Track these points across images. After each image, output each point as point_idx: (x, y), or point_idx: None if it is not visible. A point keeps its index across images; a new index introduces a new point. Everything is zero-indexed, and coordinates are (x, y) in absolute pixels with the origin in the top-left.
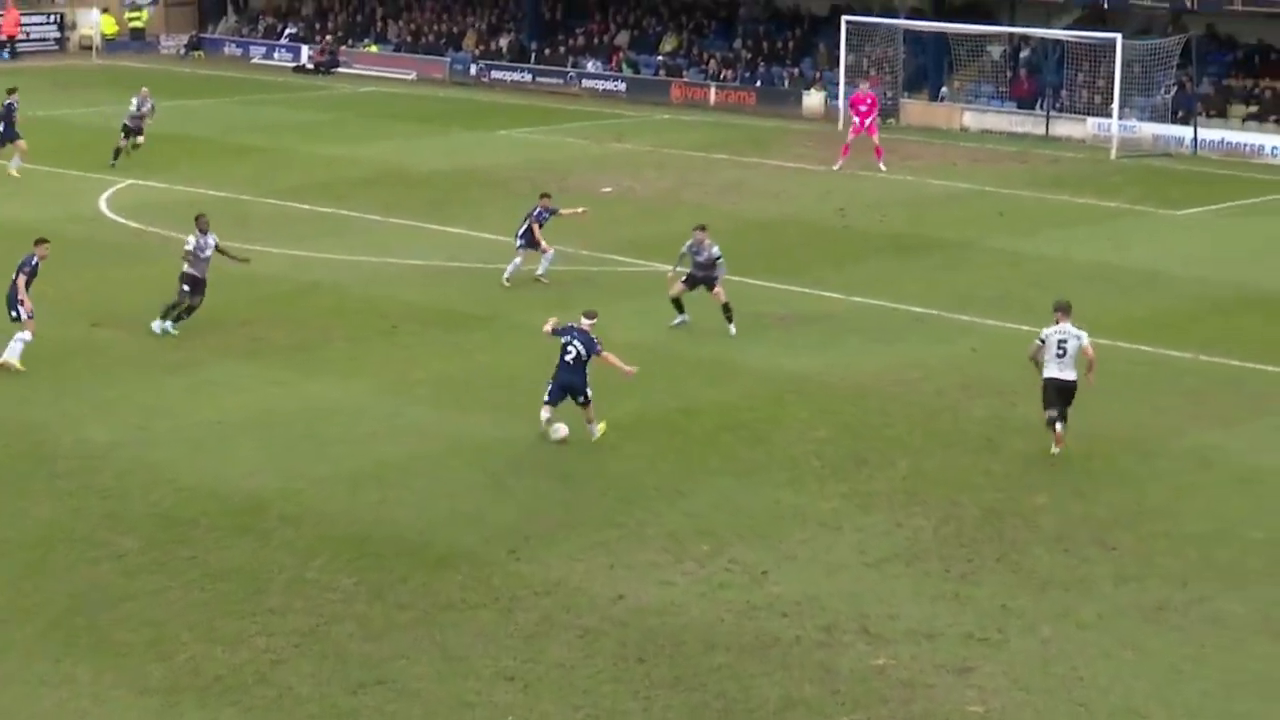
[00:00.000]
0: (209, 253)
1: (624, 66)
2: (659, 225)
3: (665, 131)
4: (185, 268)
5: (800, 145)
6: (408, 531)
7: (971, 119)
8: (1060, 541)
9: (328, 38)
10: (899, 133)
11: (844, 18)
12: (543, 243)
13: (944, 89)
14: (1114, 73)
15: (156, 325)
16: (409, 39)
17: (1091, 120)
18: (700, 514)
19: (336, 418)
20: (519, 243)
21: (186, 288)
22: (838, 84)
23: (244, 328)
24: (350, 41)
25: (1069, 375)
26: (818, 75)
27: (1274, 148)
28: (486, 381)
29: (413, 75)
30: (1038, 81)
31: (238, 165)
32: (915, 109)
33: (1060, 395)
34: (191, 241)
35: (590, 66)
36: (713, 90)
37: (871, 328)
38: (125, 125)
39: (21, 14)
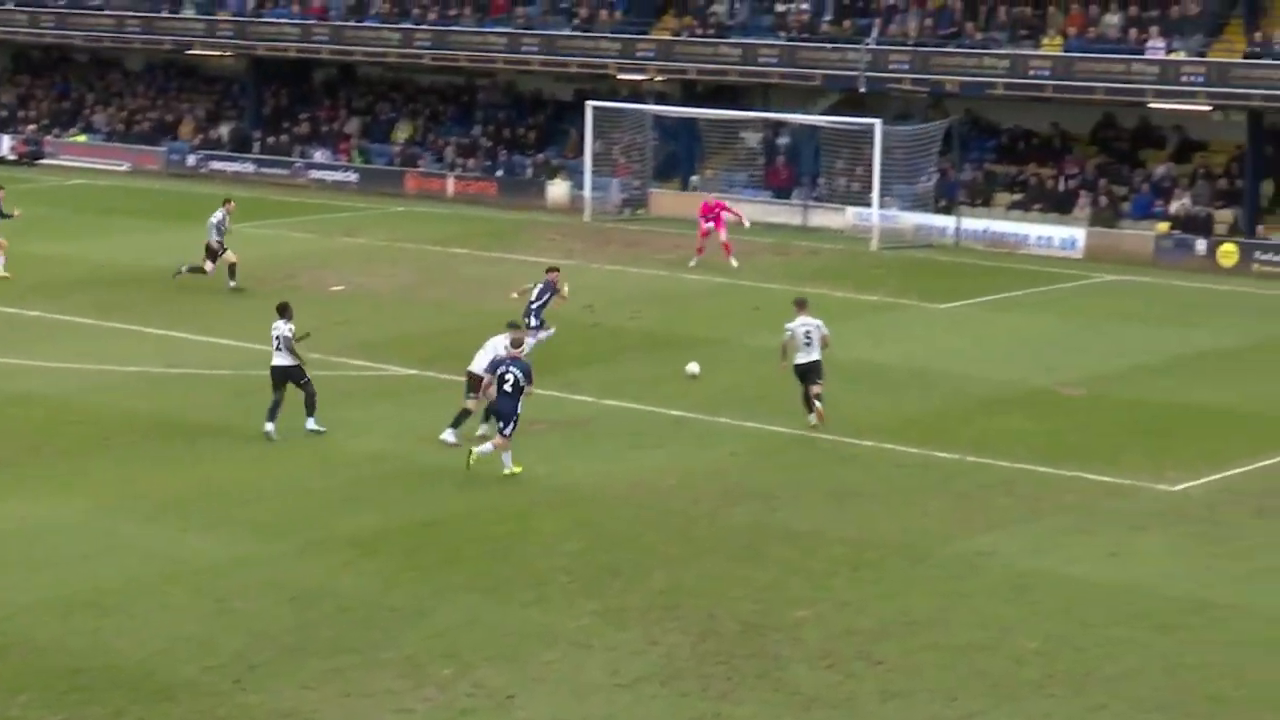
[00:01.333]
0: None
1: (355, 156)
2: (395, 325)
3: (401, 225)
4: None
5: (546, 238)
6: (125, 661)
7: None
8: (824, 657)
9: (30, 126)
10: (650, 224)
11: (589, 103)
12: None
13: (695, 178)
14: (873, 160)
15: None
16: (121, 127)
17: (851, 210)
18: (443, 635)
19: (46, 538)
20: (534, 322)
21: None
22: (583, 173)
23: None
24: (56, 130)
25: (815, 357)
26: (562, 164)
27: (1039, 237)
28: (212, 497)
29: (125, 166)
30: (795, 169)
31: None
32: (666, 199)
33: (813, 372)
34: (288, 328)
35: (318, 156)
36: (451, 181)
37: (626, 432)
38: (209, 246)
39: None
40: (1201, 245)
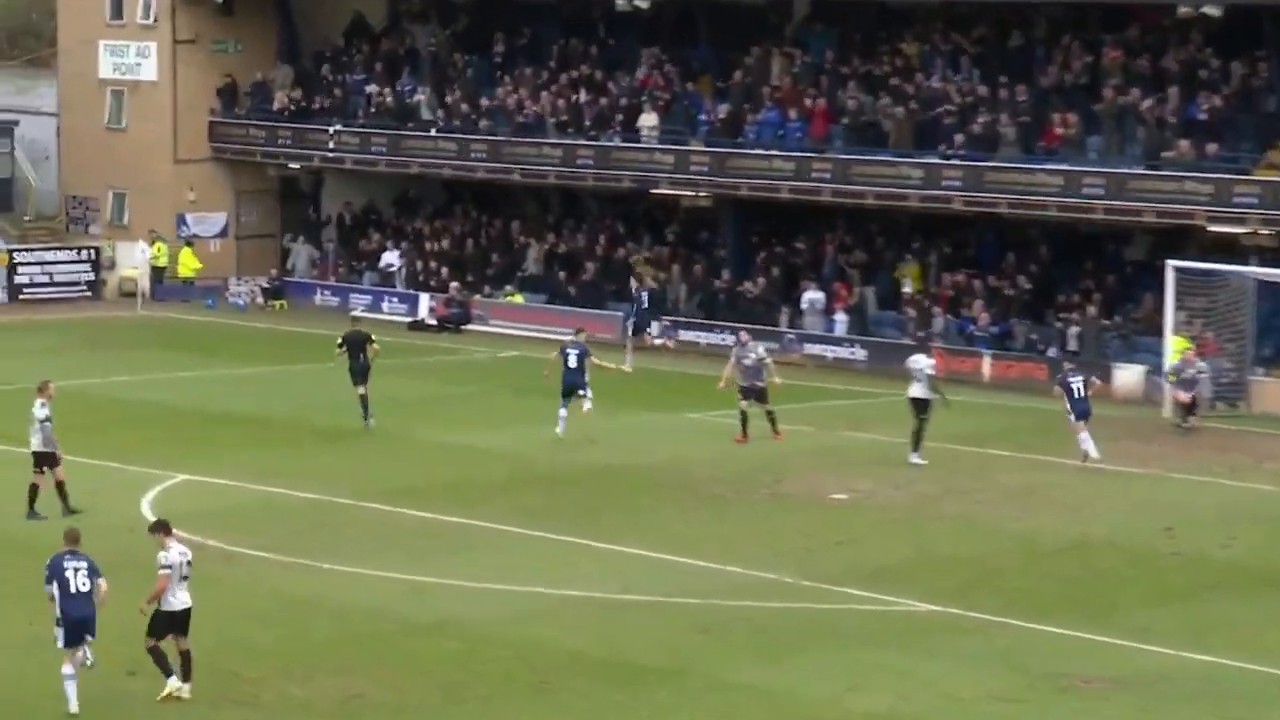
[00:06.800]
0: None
1: (852, 316)
2: (912, 547)
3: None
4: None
5: (1109, 436)
6: None
7: None
8: None
9: (454, 284)
10: (1249, 423)
11: (1170, 263)
12: None
13: None
14: None
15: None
16: (569, 283)
17: None
18: None
19: None
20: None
21: None
22: (1160, 354)
23: (340, 679)
24: (487, 289)
25: None
26: (1131, 337)
27: None
28: None
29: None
30: None
31: (327, 455)
32: (1273, 390)
33: None
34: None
35: (807, 304)
36: (987, 361)
37: (1218, 695)
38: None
39: (43, 247)
40: None
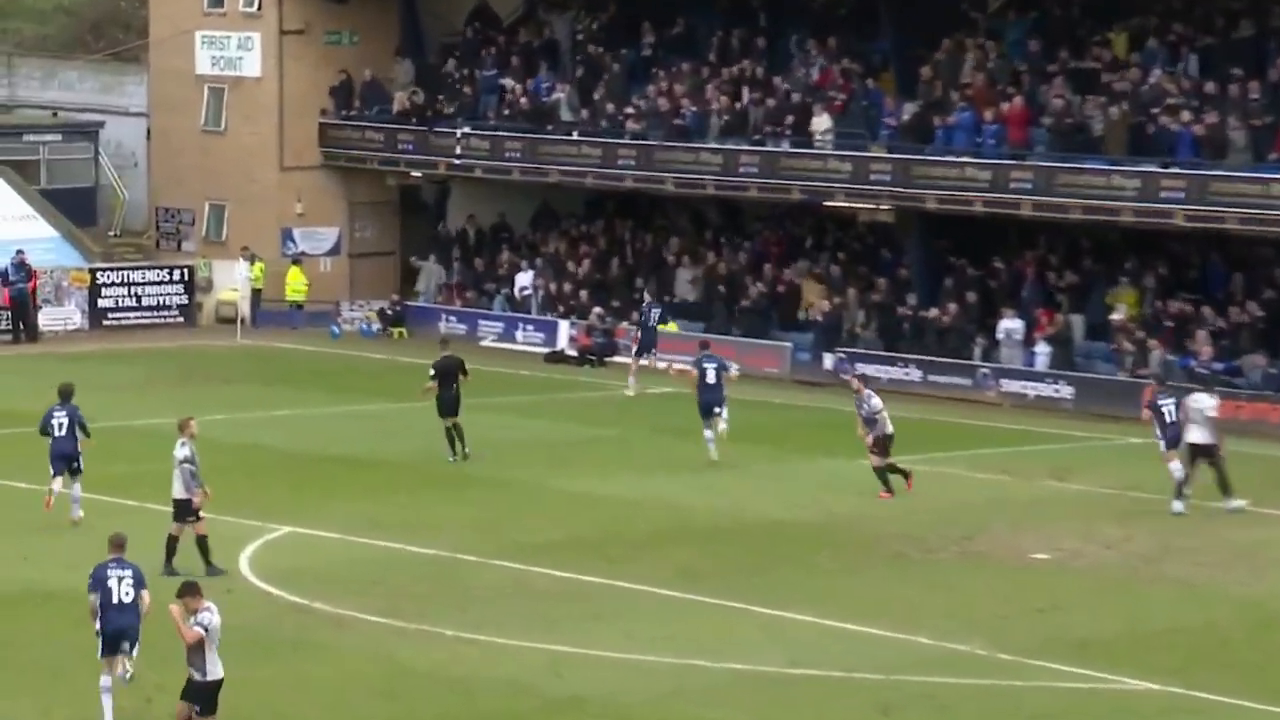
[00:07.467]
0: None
1: (1057, 348)
2: (1124, 616)
3: (1134, 464)
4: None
5: None
6: None
7: None
8: None
9: (597, 310)
10: None
11: None
12: None
13: None
14: None
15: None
16: (729, 309)
17: None
18: None
19: None
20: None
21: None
22: None
23: None
24: (635, 316)
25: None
26: None
27: None
28: None
29: (735, 369)
30: None
31: (451, 505)
32: None
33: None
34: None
35: (1004, 333)
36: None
37: None
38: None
39: (130, 266)
40: None
